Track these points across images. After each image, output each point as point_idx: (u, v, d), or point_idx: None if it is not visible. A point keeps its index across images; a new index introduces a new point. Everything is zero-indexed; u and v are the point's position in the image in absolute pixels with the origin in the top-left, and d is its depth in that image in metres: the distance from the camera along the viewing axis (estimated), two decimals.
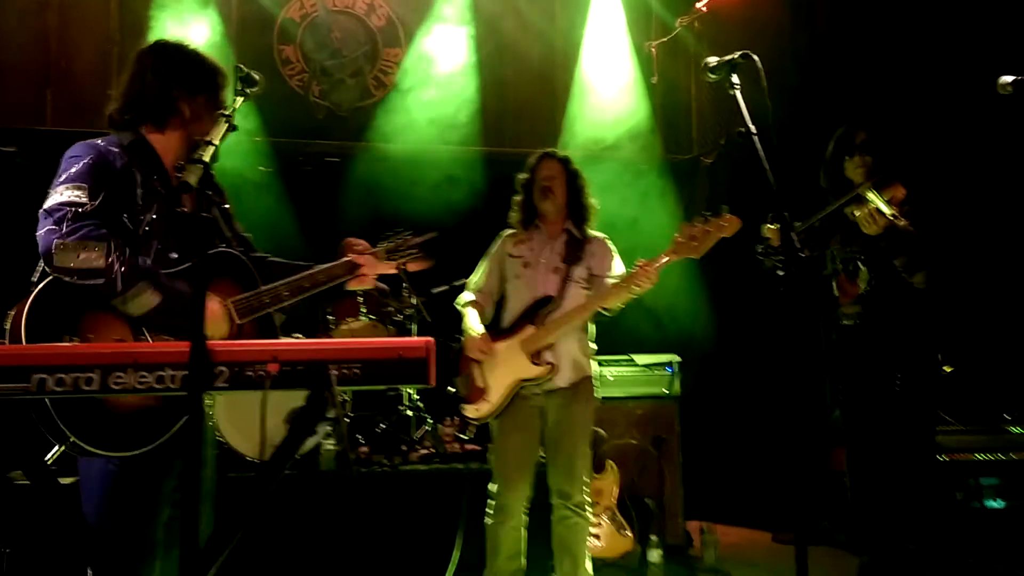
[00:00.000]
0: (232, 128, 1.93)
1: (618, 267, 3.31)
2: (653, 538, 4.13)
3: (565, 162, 3.40)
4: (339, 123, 5.77)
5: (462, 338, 3.41)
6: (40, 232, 1.93)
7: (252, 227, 5.00)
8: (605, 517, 4.17)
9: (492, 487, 3.27)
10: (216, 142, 1.79)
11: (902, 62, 4.64)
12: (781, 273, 2.01)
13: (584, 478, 3.21)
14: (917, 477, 3.35)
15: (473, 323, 3.33)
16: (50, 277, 1.91)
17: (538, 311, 3.22)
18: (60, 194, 1.97)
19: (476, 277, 3.48)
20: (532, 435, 3.23)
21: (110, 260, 1.90)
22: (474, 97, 5.86)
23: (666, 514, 4.49)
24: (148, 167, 2.14)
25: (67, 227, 1.91)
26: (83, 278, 1.89)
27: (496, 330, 3.35)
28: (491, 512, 3.25)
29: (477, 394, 3.29)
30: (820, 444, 4.40)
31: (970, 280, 4.49)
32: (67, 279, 1.89)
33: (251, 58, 5.39)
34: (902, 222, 3.14)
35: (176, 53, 2.23)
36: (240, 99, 2.06)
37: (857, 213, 3.27)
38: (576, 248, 3.31)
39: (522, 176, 3.43)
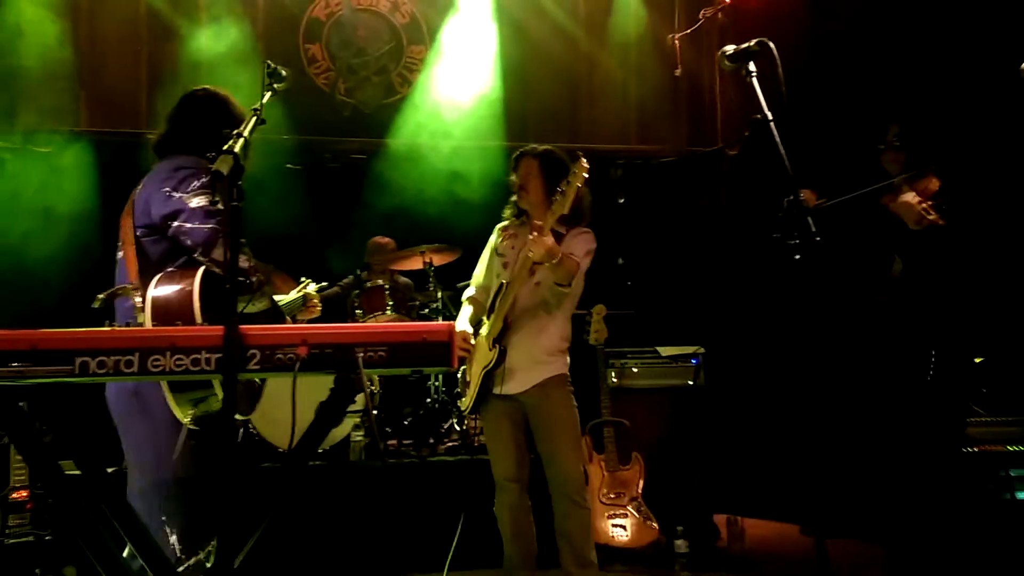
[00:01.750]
0: (261, 122, 2.00)
1: (584, 251, 3.26)
2: (679, 529, 4.15)
3: (543, 158, 3.35)
4: (364, 120, 5.85)
5: None
6: (202, 226, 2.20)
7: (278, 224, 5.16)
8: (631, 508, 4.20)
9: (493, 471, 3.35)
10: (246, 134, 1.86)
11: (926, 51, 4.59)
12: (797, 257, 2.02)
13: (573, 467, 3.23)
14: (947, 468, 3.31)
15: (459, 320, 3.43)
16: (202, 267, 2.15)
17: (494, 300, 3.29)
18: (205, 198, 2.24)
19: (476, 272, 3.54)
20: (513, 419, 3.28)
21: (252, 264, 2.26)
22: (498, 93, 5.91)
23: (692, 506, 4.50)
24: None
25: (224, 228, 2.17)
26: (231, 273, 2.09)
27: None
28: (497, 493, 3.32)
29: (465, 387, 3.42)
30: (845, 435, 4.37)
31: (1000, 270, 4.44)
32: (218, 271, 2.16)
33: (278, 57, 5.36)
34: (932, 215, 3.11)
35: (221, 101, 2.58)
36: (268, 94, 2.13)
37: (895, 206, 3.23)
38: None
39: (512, 177, 3.43)
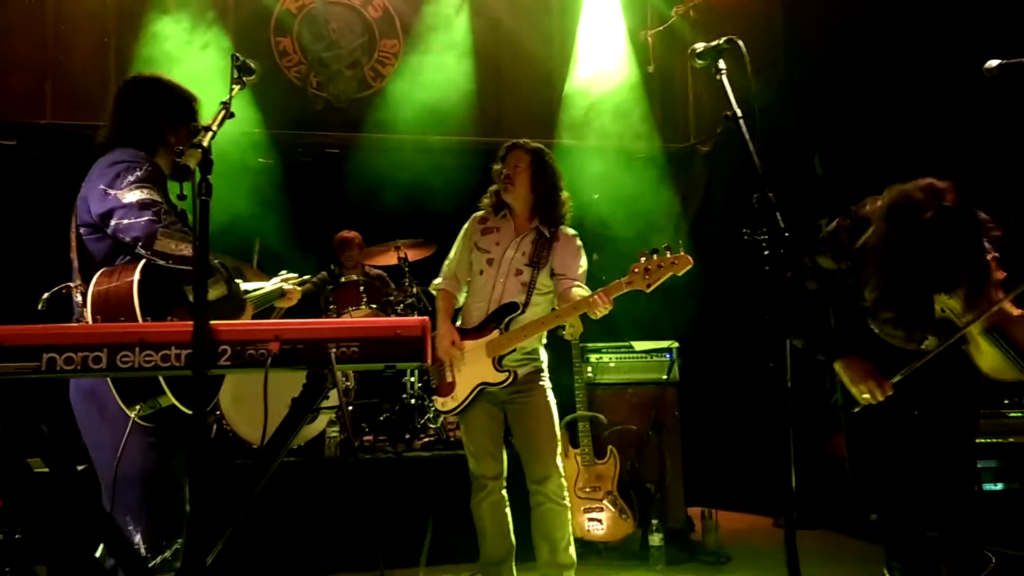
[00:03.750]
0: (229, 115, 1.98)
1: (582, 267, 3.30)
2: (654, 522, 4.18)
3: (535, 154, 3.32)
4: (337, 114, 5.81)
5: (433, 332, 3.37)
6: (137, 220, 2.15)
7: (251, 219, 5.10)
8: (606, 502, 4.22)
9: (470, 469, 3.30)
10: (215, 128, 1.84)
11: (896, 54, 4.65)
12: (767, 254, 2.04)
13: (555, 462, 3.21)
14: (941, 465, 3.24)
15: (442, 320, 3.34)
16: (143, 260, 2.13)
17: (505, 316, 3.22)
18: (141, 191, 2.19)
19: (448, 260, 3.46)
20: (495, 414, 3.26)
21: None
22: (471, 87, 5.89)
23: (667, 499, 4.54)
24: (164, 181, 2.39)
25: (165, 220, 2.16)
26: (176, 263, 2.14)
27: (464, 326, 3.34)
28: (474, 491, 3.29)
29: (447, 388, 3.31)
30: (820, 429, 4.43)
31: None
32: (161, 263, 2.13)
33: (248, 50, 5.37)
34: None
35: (158, 87, 2.49)
36: (237, 87, 2.12)
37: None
38: (543, 249, 3.27)
39: (496, 166, 3.39)
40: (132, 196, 2.18)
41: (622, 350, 4.75)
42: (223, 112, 1.95)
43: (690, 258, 2.99)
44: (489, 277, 3.29)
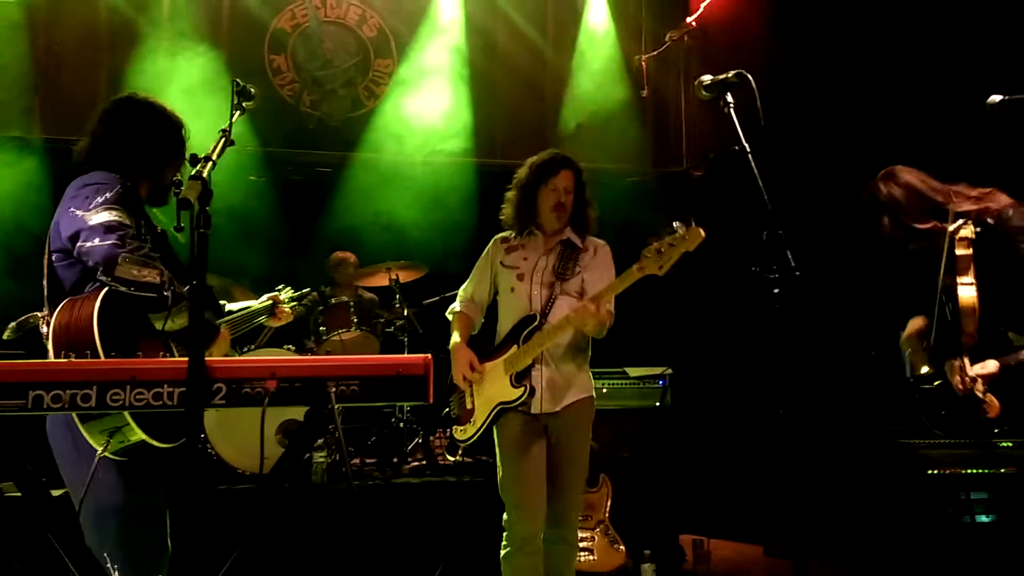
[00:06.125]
0: (230, 143, 1.94)
1: (607, 278, 3.07)
2: (646, 552, 4.12)
3: (579, 173, 3.13)
4: (330, 133, 5.78)
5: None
6: (100, 244, 2.05)
7: (243, 236, 5.04)
8: (598, 531, 4.16)
9: (507, 517, 3.00)
10: (215, 158, 1.79)
11: (889, 82, 4.68)
12: (777, 290, 2.02)
13: (578, 503, 3.06)
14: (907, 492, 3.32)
15: (458, 346, 3.11)
16: (106, 289, 2.04)
17: (522, 330, 3.01)
18: (109, 213, 2.10)
19: (466, 285, 3.25)
20: (540, 454, 3.00)
21: (163, 279, 2.08)
22: (466, 109, 5.89)
23: (659, 528, 4.48)
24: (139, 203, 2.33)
25: (129, 244, 2.07)
26: (139, 290, 2.04)
27: (487, 348, 3.14)
28: (508, 543, 2.97)
29: (467, 416, 3.10)
30: (813, 457, 4.40)
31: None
32: (124, 289, 2.03)
33: (242, 67, 5.39)
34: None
35: (150, 111, 2.41)
36: (237, 113, 2.07)
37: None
38: (571, 260, 3.07)
39: (524, 174, 3.13)
40: (99, 218, 2.09)
41: (615, 376, 4.71)
42: (223, 140, 1.90)
43: (701, 230, 2.69)
44: (523, 292, 3.07)
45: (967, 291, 2.62)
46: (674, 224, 2.73)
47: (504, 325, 3.12)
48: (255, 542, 3.51)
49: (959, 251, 2.60)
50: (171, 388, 1.57)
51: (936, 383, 4.10)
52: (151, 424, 1.94)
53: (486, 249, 3.25)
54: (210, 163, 1.75)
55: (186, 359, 1.54)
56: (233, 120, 2.02)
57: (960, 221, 2.60)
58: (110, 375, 1.55)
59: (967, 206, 2.63)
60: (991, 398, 2.76)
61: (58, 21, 5.27)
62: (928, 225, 2.63)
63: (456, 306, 3.22)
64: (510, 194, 3.17)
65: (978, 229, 2.58)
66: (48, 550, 1.78)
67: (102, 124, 2.38)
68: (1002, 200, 2.63)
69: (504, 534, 2.99)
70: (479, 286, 3.20)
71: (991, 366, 2.71)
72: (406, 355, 1.66)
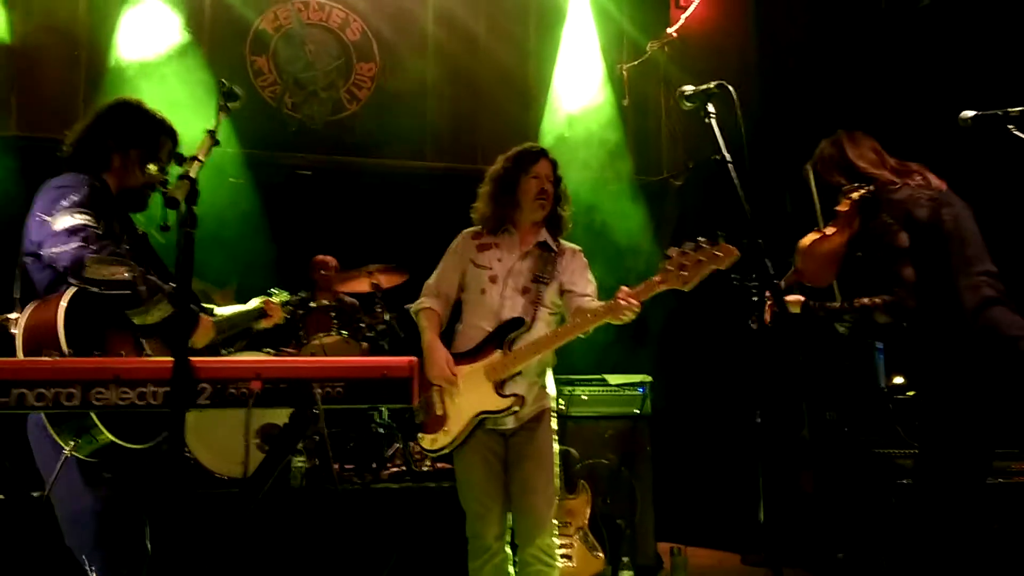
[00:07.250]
0: (215, 143, 1.94)
1: (592, 283, 3.00)
2: (624, 559, 4.14)
3: (556, 165, 3.01)
4: (312, 136, 5.76)
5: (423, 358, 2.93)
6: (65, 248, 2.08)
7: (223, 238, 5.00)
8: (577, 538, 4.17)
9: (469, 528, 2.87)
10: (202, 158, 1.79)
11: (867, 91, 4.76)
12: (755, 299, 2.05)
13: (550, 516, 2.85)
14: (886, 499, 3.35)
15: (433, 340, 2.89)
16: (74, 289, 2.05)
17: (507, 335, 2.83)
18: (73, 216, 2.12)
19: (433, 280, 3.03)
20: (496, 463, 2.87)
21: (134, 275, 2.10)
22: (448, 114, 5.90)
23: (637, 535, 4.49)
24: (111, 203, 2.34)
25: (95, 245, 2.08)
26: (110, 289, 2.06)
27: (456, 350, 2.93)
28: (473, 553, 2.86)
29: (436, 423, 2.88)
30: (790, 466, 4.45)
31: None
32: (94, 290, 2.05)
33: (223, 67, 5.35)
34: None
35: (121, 109, 2.44)
36: (223, 114, 2.08)
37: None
38: (549, 263, 2.93)
39: (500, 166, 3.00)
40: (62, 223, 2.11)
41: (595, 383, 4.72)
42: (210, 141, 1.90)
43: (735, 249, 2.45)
44: (494, 295, 2.89)
45: (813, 236, 2.72)
46: (699, 239, 2.55)
47: (472, 325, 2.94)
48: (234, 546, 3.48)
49: (838, 207, 2.70)
50: (155, 388, 1.56)
51: (909, 393, 4.17)
52: (118, 425, 1.94)
53: (454, 242, 3.06)
54: (197, 163, 1.76)
55: (171, 359, 1.53)
56: (219, 121, 2.02)
57: (857, 184, 2.69)
58: (94, 374, 1.54)
59: (885, 176, 2.70)
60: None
61: (35, 16, 5.20)
62: (833, 180, 2.75)
63: (425, 302, 3.00)
64: (484, 189, 3.04)
65: (865, 193, 2.64)
66: (29, 550, 1.76)
67: (89, 125, 2.41)
68: (931, 181, 2.70)
69: (469, 545, 2.88)
70: (448, 281, 3.00)
71: (798, 298, 2.72)
72: (391, 357, 1.66)
